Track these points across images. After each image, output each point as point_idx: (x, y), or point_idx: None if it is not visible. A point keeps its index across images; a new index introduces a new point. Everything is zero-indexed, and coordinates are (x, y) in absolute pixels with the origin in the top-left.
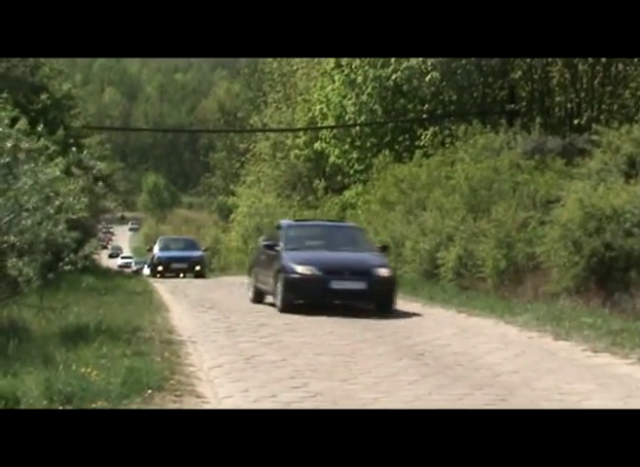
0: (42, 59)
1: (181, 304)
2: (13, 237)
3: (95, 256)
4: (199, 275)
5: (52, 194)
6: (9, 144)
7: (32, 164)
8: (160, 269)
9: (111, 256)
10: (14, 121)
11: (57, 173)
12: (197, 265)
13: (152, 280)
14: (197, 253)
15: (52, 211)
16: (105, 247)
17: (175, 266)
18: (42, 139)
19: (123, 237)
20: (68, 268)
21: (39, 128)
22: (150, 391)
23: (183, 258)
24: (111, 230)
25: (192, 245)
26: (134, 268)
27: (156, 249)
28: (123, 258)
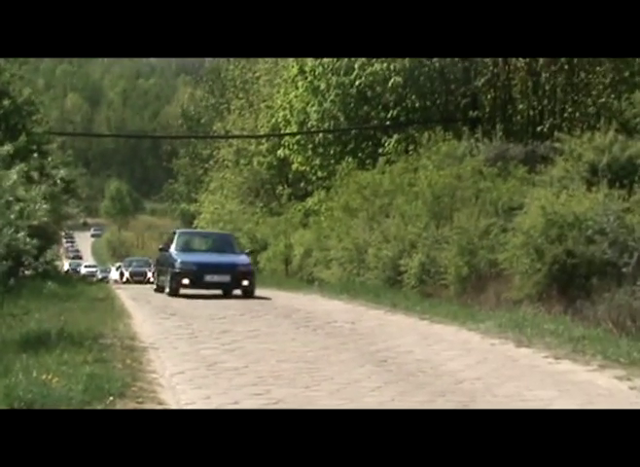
0: (2, 65)
1: (143, 310)
2: None
3: (57, 262)
4: (247, 293)
5: (12, 199)
6: None
7: None
8: (185, 281)
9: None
10: None
11: (14, 178)
12: (245, 277)
13: (115, 287)
14: (242, 259)
15: (12, 217)
16: (79, 257)
17: (211, 278)
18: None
19: (85, 244)
20: (29, 272)
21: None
22: (111, 398)
23: (223, 265)
24: (72, 240)
25: (229, 245)
26: (99, 276)
27: (174, 250)
28: (87, 267)
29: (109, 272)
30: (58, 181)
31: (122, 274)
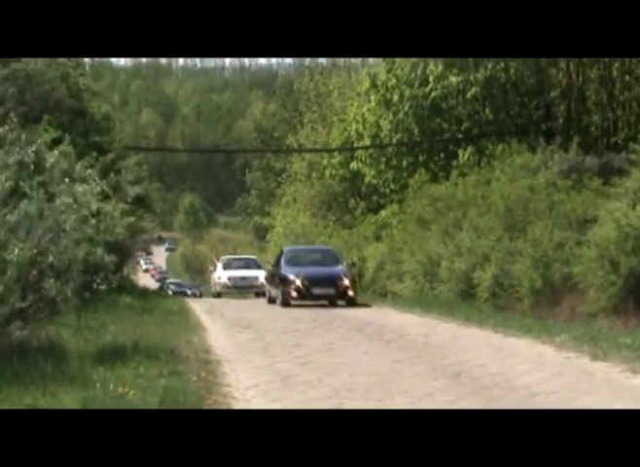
0: (82, 84)
1: (217, 323)
2: (51, 257)
3: (133, 276)
4: None
5: (88, 214)
6: (48, 164)
7: (75, 185)
8: None
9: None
10: (55, 142)
11: (94, 201)
12: None
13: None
14: None
15: (90, 231)
16: (165, 278)
17: None
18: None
19: (160, 258)
20: (103, 287)
21: (86, 154)
22: None
23: None
24: (150, 260)
25: None
26: (189, 292)
27: None
28: (172, 284)
29: (197, 288)
30: (129, 198)
31: (287, 282)
